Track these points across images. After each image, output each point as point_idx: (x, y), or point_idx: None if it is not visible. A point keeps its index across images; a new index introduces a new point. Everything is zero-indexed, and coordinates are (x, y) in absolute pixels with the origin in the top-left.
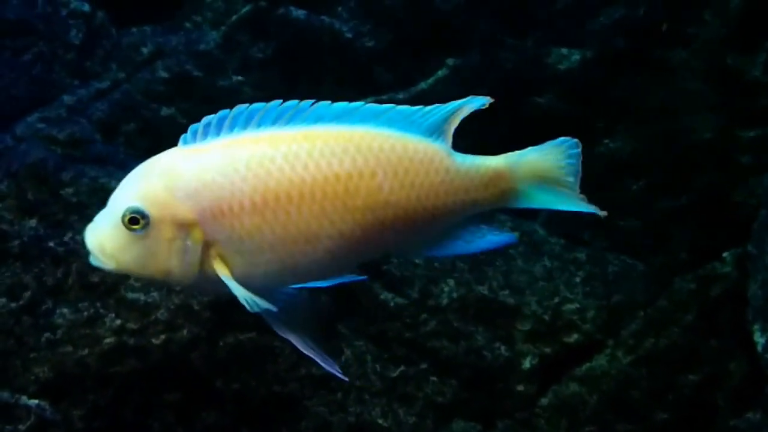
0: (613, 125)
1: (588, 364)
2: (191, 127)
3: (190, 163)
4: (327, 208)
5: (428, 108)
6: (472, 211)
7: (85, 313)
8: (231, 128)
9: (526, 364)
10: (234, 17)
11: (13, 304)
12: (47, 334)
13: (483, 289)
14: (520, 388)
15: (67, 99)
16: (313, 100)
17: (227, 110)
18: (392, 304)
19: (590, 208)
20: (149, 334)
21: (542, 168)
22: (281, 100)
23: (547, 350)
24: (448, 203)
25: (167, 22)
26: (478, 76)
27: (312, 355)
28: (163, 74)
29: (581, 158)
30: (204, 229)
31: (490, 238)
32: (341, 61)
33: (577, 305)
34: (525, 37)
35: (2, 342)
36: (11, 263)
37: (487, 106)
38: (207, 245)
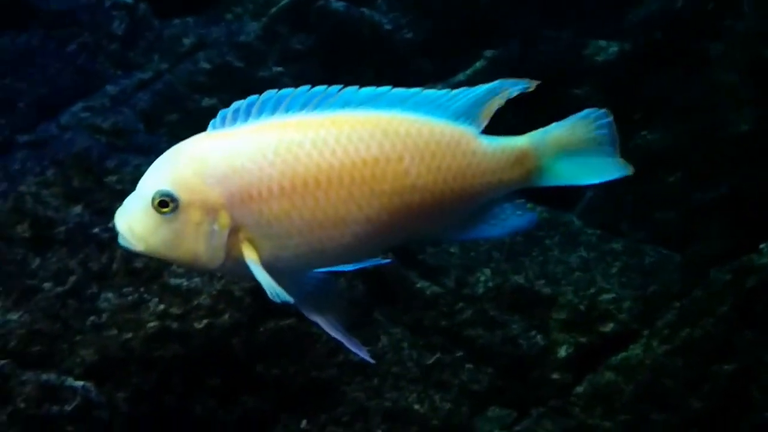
0: (650, 117)
1: (623, 354)
2: (220, 113)
3: (219, 148)
4: (354, 193)
5: (455, 92)
6: (498, 192)
7: (130, 298)
8: (259, 113)
9: (562, 352)
10: (274, 9)
11: (59, 289)
12: (92, 318)
13: (519, 279)
14: (556, 376)
15: (111, 89)
16: (340, 86)
17: (256, 96)
18: (428, 292)
19: (617, 173)
20: (191, 319)
21: (568, 142)
22: (309, 86)
23: (583, 339)
24: (475, 185)
25: (209, 13)
26: (516, 67)
27: (339, 338)
28: (205, 65)
29: (614, 126)
30: (232, 214)
31: (513, 220)
32: (380, 52)
33: (614, 295)
34: (563, 29)
35: (49, 325)
36: (57, 249)
37: (532, 88)
38: (235, 230)
